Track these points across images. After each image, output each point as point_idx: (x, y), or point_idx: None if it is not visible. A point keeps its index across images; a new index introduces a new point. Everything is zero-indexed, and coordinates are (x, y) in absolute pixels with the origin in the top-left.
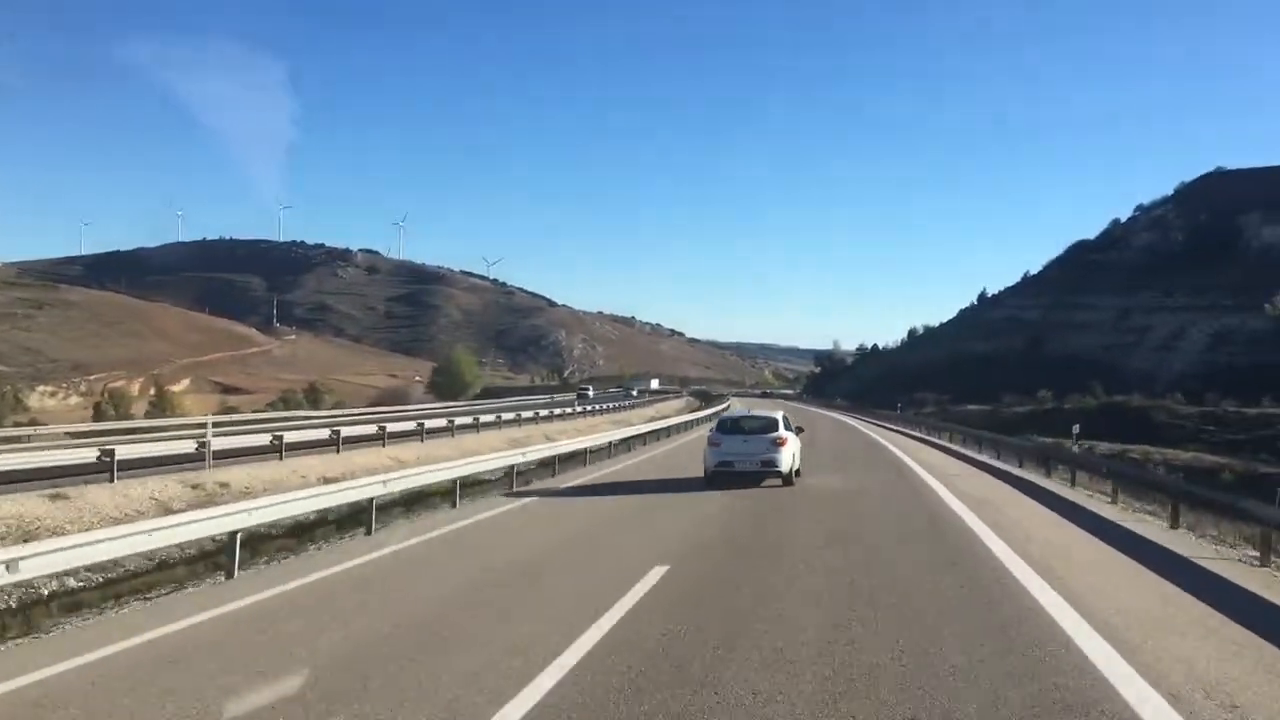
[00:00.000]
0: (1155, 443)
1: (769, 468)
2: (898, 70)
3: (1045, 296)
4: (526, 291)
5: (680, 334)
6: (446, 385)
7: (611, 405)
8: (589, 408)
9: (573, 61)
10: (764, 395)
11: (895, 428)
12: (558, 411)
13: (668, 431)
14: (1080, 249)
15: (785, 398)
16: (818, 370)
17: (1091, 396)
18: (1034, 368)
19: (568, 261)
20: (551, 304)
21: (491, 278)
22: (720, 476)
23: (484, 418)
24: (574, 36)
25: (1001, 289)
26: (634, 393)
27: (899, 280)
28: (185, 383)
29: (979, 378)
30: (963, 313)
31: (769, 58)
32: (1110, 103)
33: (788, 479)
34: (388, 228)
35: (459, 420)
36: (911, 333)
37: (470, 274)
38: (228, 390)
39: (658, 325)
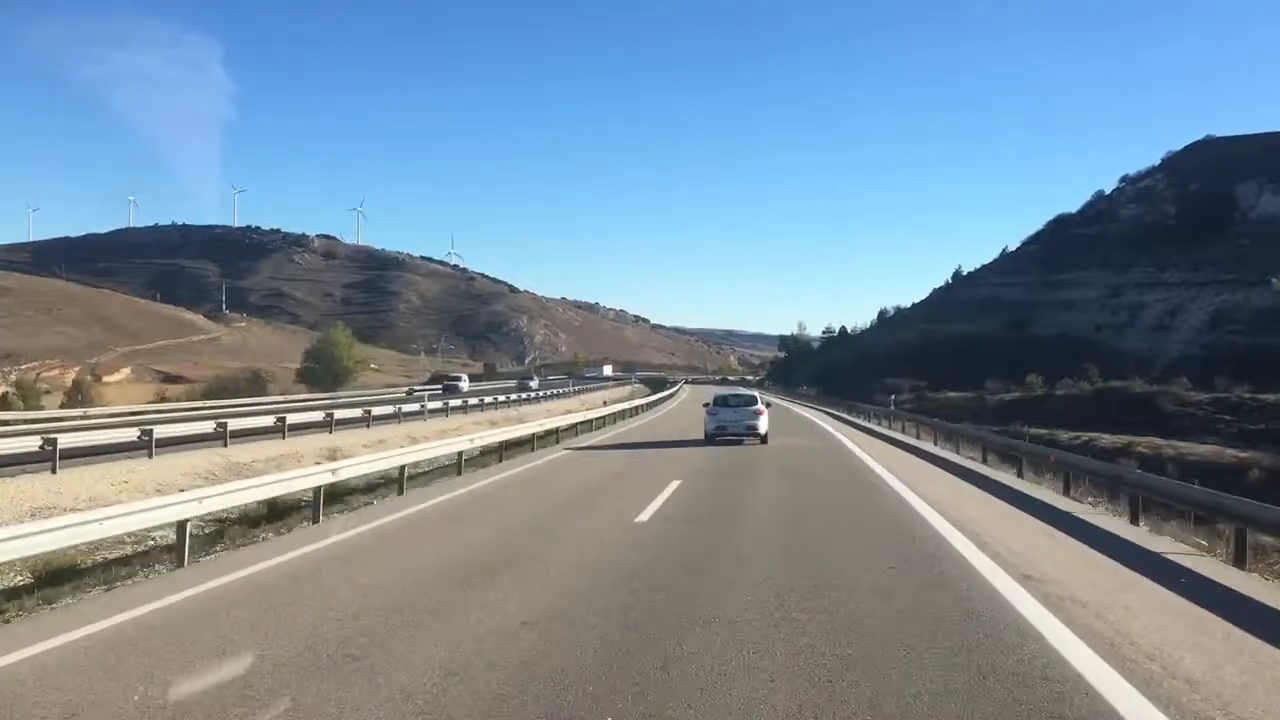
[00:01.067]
0: (1163, 433)
1: (751, 431)
2: (862, 48)
3: (1027, 274)
4: (488, 277)
5: (645, 320)
6: (320, 373)
7: (499, 399)
8: (461, 402)
9: (534, 44)
10: (723, 383)
11: (901, 440)
12: (407, 409)
13: (574, 430)
14: (1062, 223)
15: (745, 385)
16: (782, 355)
17: (1086, 381)
18: (1018, 350)
19: (531, 247)
20: (513, 290)
21: (453, 263)
22: (716, 437)
23: (295, 417)
24: (534, 18)
25: (978, 266)
26: (533, 383)
27: (867, 262)
28: (125, 371)
29: (958, 361)
30: (937, 292)
31: (731, 41)
32: (1086, 72)
33: (764, 439)
34: (347, 213)
35: (255, 422)
36: (882, 314)
37: (431, 260)
38: (169, 379)
39: (621, 311)
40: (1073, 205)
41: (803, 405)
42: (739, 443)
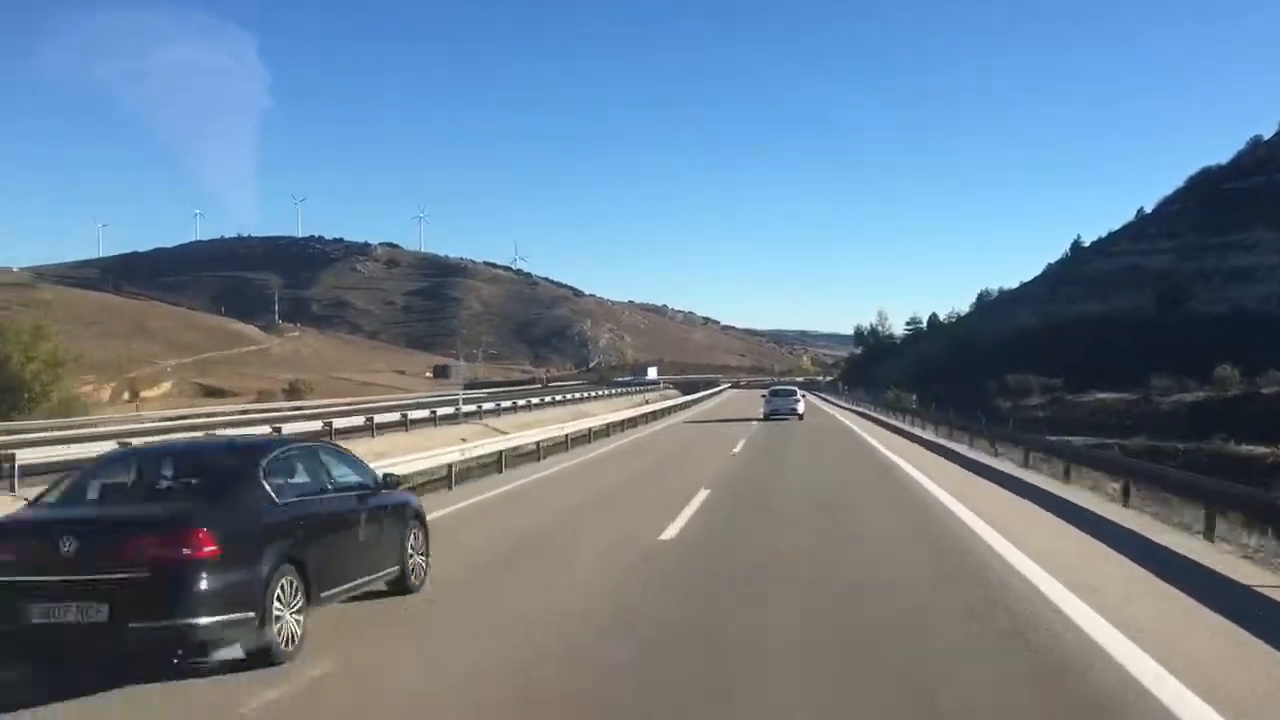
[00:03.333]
0: None
1: (792, 413)
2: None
3: (1176, 238)
4: (552, 281)
5: (714, 322)
6: None
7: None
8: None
9: (599, 48)
10: (801, 384)
11: None
12: None
13: None
14: (1210, 177)
15: (812, 388)
16: (859, 351)
17: None
18: (1177, 332)
19: (599, 251)
20: (577, 294)
21: (516, 268)
22: (771, 416)
23: None
24: (596, 21)
25: (1106, 233)
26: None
27: (952, 244)
28: (165, 385)
29: (1096, 350)
30: (1054, 267)
31: (795, 30)
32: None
33: (801, 417)
34: (411, 221)
35: None
36: (982, 297)
37: (494, 265)
38: (211, 392)
39: (690, 313)
40: (1219, 156)
41: (925, 443)
42: (785, 419)
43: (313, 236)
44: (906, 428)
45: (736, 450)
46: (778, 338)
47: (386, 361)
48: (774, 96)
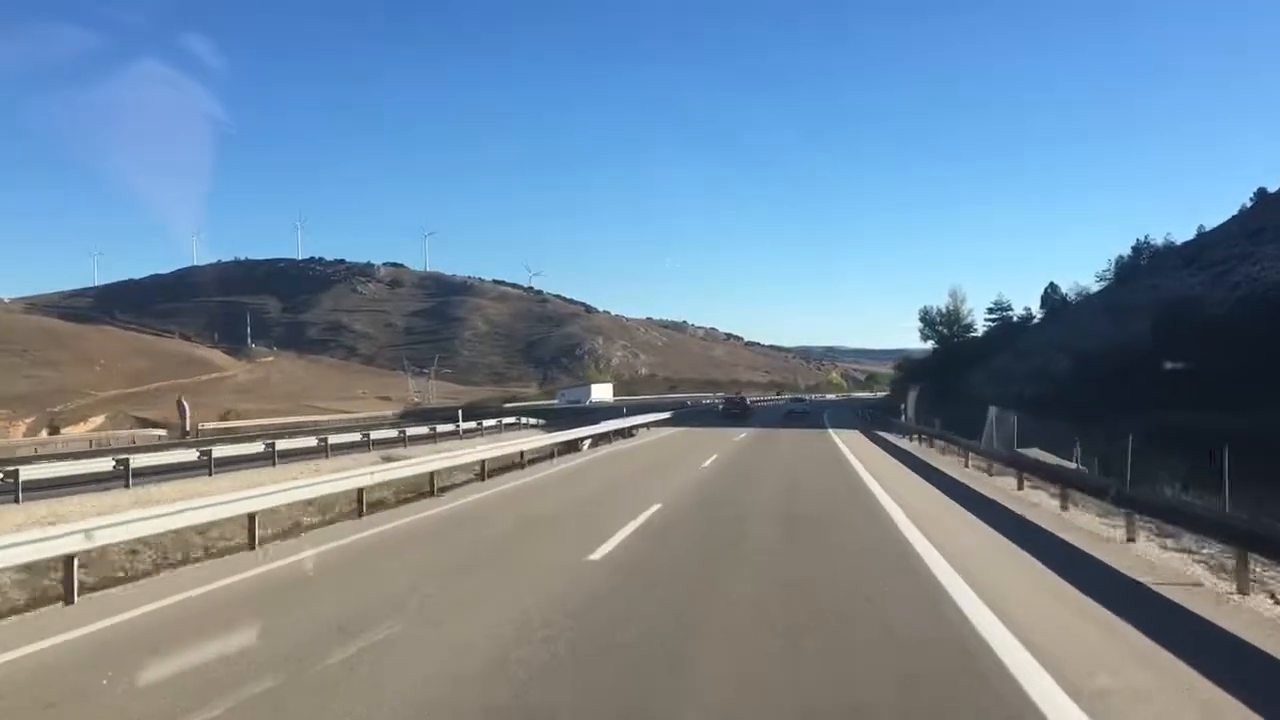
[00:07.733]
0: None
1: (805, 413)
2: None
3: None
4: (563, 298)
5: (738, 338)
6: None
7: None
8: None
9: (609, 54)
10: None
11: None
12: None
13: None
14: None
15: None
16: (933, 349)
17: None
18: None
19: (616, 269)
20: (590, 310)
21: (526, 285)
22: (790, 416)
23: None
24: (609, 26)
25: None
26: None
27: (988, 247)
28: (98, 419)
29: None
30: (1250, 213)
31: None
32: None
33: (808, 414)
34: (420, 240)
35: None
36: (1140, 251)
37: (502, 283)
38: (151, 425)
39: (712, 329)
40: None
41: None
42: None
43: (313, 258)
44: None
45: None
46: (804, 354)
47: (371, 386)
48: (802, 106)
